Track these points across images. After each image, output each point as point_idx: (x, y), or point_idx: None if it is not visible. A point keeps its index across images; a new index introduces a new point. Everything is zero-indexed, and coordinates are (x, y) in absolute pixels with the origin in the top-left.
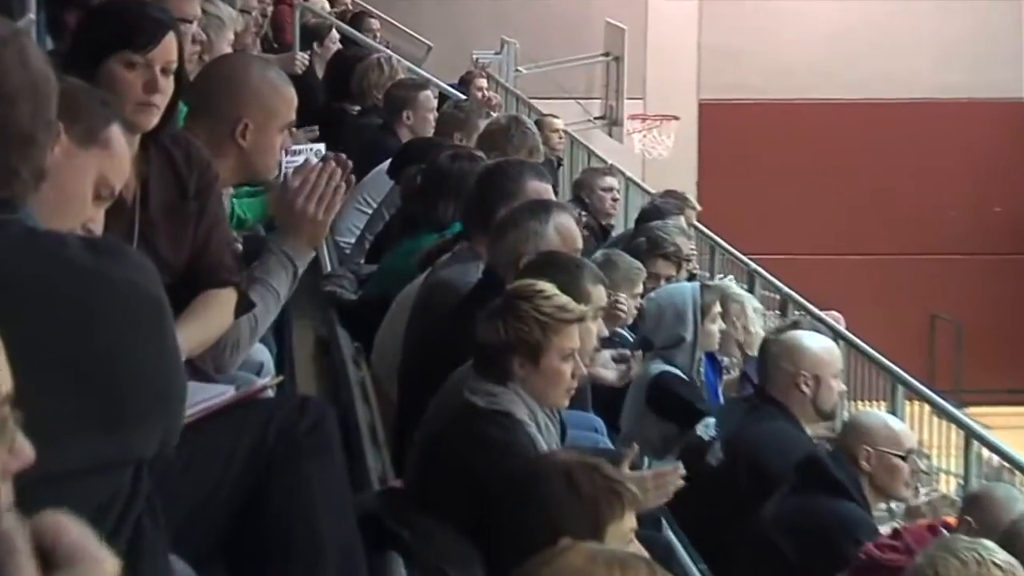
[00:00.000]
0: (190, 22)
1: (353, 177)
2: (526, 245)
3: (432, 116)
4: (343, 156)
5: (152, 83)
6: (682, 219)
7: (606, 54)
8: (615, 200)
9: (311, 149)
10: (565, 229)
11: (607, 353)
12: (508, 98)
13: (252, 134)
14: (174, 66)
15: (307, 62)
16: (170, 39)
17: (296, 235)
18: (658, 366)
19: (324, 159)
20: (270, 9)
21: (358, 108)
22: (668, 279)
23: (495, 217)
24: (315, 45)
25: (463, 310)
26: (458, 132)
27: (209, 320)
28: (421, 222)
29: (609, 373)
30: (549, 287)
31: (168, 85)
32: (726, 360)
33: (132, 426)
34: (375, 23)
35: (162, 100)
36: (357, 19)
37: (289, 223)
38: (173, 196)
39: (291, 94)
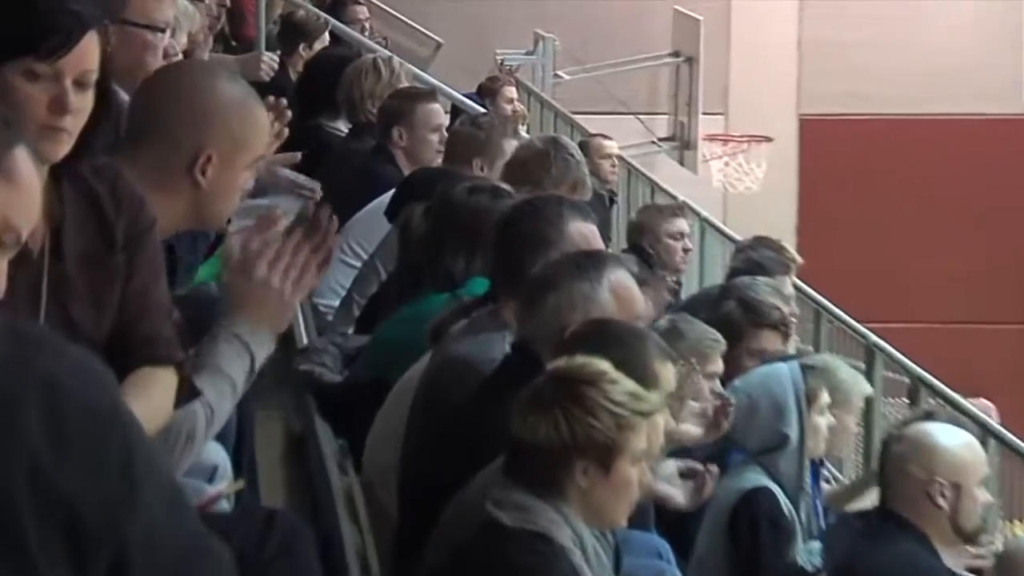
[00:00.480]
0: (162, 30)
1: (336, 238)
2: (572, 312)
3: (435, 137)
4: (326, 211)
5: (61, 100)
6: (787, 279)
7: (675, 54)
8: (687, 250)
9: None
10: (623, 289)
11: (672, 464)
12: (544, 112)
13: (214, 170)
14: (93, 77)
15: (276, 65)
16: (89, 42)
17: (252, 315)
18: (754, 478)
19: (298, 219)
20: None
21: (345, 125)
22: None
23: (527, 273)
24: (301, 47)
25: (486, 396)
26: (477, 158)
27: (147, 407)
28: (426, 278)
29: (677, 493)
30: (610, 368)
31: (84, 102)
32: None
33: (42, 562)
34: (363, 11)
35: (74, 123)
36: (338, 6)
37: (244, 298)
38: (95, 246)
39: (266, 121)
